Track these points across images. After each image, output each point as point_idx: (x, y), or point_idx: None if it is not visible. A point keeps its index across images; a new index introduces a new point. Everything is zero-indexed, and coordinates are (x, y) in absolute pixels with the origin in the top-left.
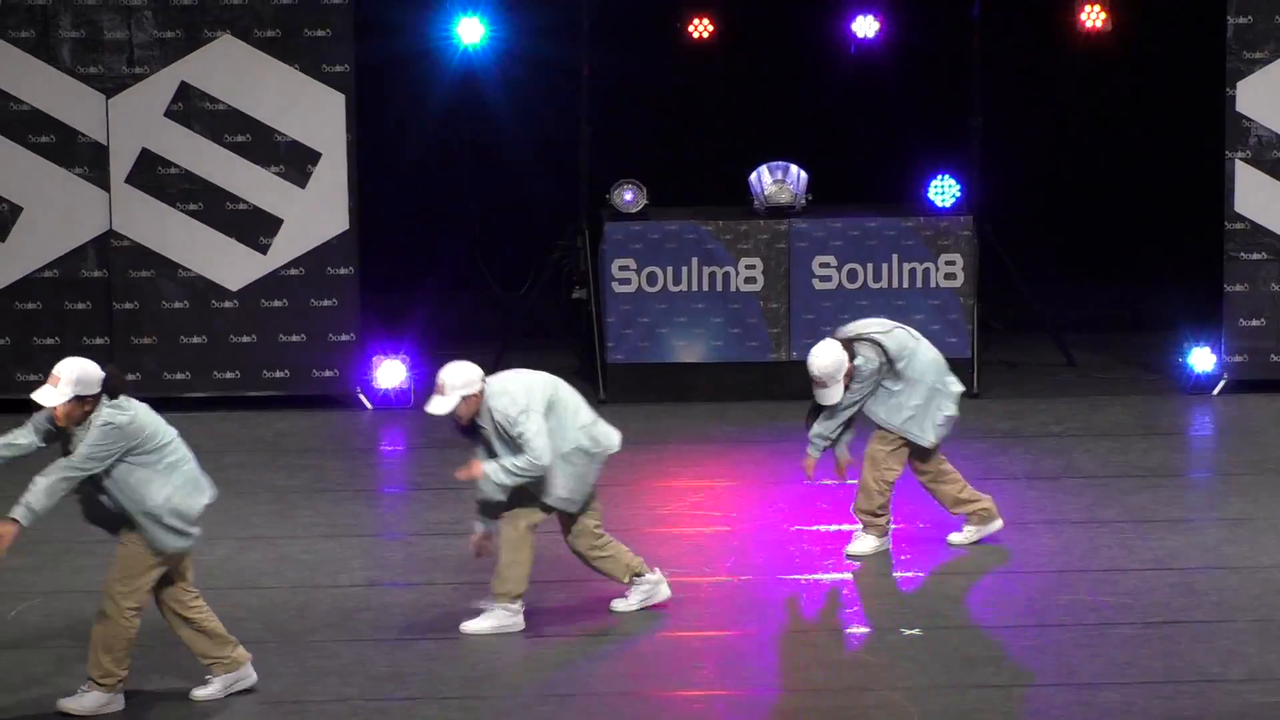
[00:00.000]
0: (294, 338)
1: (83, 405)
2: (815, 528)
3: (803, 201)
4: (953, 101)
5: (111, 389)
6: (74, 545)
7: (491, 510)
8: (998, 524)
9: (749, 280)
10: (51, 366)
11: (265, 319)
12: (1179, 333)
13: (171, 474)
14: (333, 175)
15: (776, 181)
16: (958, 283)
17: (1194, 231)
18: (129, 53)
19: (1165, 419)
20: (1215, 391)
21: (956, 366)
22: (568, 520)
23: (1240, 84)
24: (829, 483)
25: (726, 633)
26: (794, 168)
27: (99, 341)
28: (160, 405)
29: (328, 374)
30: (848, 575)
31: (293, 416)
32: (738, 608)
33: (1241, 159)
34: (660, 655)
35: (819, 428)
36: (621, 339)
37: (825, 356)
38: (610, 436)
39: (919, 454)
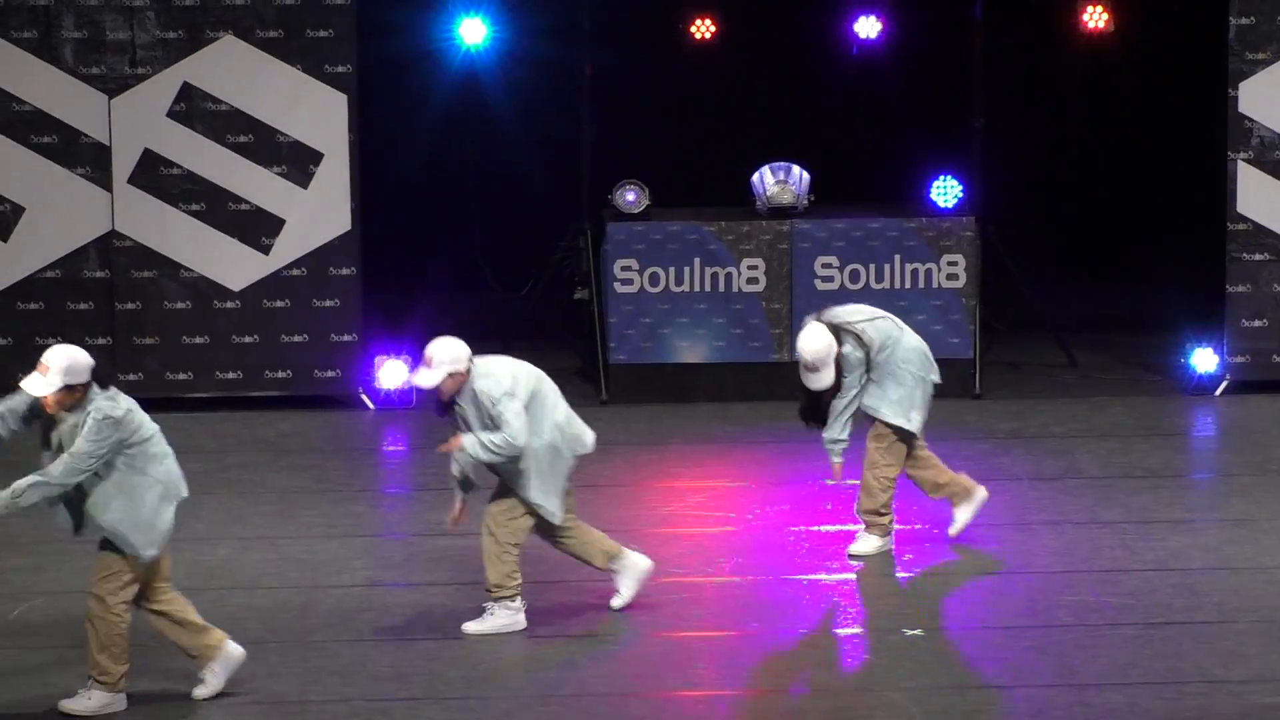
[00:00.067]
0: (296, 338)
1: (72, 394)
2: (817, 528)
3: (805, 202)
4: (955, 102)
5: (100, 378)
6: (74, 545)
7: (468, 486)
8: (982, 492)
9: (751, 281)
10: None
11: (267, 319)
12: (1181, 334)
13: (152, 466)
14: (335, 176)
15: (779, 182)
16: (960, 283)
17: (1196, 232)
18: (131, 53)
19: (1167, 420)
20: (1217, 392)
21: (958, 367)
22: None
23: (1242, 85)
24: (830, 483)
25: (728, 633)
26: (796, 168)
27: (101, 342)
28: (162, 406)
29: (330, 374)
30: (850, 576)
31: (295, 417)
32: (739, 608)
33: (1244, 160)
34: (661, 655)
35: (827, 433)
36: (624, 339)
37: (817, 340)
38: (584, 436)
39: (902, 440)
